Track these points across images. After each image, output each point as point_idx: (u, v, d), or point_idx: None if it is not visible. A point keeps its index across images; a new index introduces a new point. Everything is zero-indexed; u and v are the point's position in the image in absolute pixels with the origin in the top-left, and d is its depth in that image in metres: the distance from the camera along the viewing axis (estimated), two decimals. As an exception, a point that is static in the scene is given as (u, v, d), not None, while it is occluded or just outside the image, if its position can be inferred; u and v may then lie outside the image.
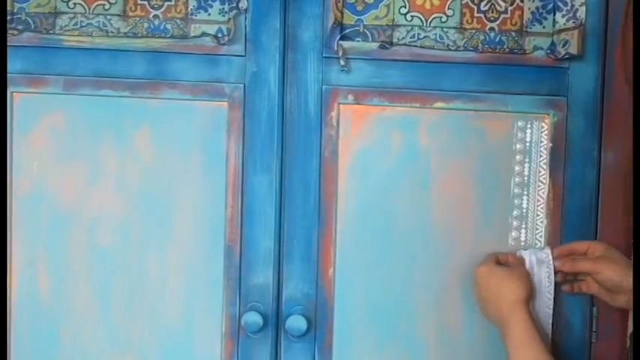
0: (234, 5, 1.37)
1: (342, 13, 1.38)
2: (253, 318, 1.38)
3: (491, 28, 1.38)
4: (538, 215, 1.40)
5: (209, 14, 1.39)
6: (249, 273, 1.40)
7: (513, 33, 1.39)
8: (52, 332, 1.43)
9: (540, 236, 1.40)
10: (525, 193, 1.40)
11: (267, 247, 1.40)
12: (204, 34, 1.38)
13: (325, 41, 1.38)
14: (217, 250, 1.41)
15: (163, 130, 1.40)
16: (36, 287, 1.42)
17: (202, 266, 1.41)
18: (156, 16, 1.39)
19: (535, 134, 1.39)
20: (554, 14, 1.36)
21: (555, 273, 1.35)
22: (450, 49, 1.38)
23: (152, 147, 1.40)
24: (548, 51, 1.37)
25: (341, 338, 1.41)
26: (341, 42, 1.38)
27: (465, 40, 1.38)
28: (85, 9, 1.39)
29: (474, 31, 1.38)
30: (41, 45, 1.39)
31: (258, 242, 1.40)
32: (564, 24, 1.35)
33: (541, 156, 1.39)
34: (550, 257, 1.36)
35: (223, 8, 1.38)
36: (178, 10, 1.39)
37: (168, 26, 1.39)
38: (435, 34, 1.38)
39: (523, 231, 1.40)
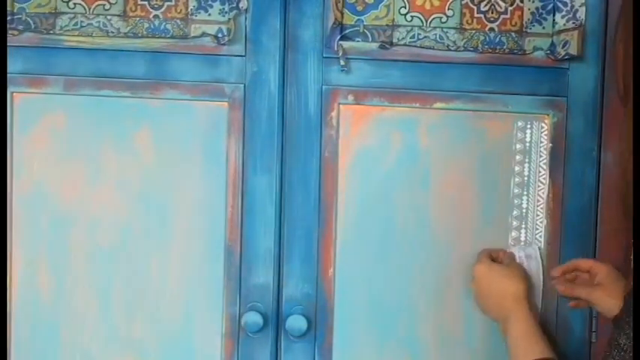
0: (234, 5, 1.37)
1: (342, 13, 1.38)
2: (253, 318, 1.38)
3: (491, 29, 1.38)
4: (538, 215, 1.40)
5: (209, 14, 1.39)
6: (249, 273, 1.40)
7: (513, 33, 1.39)
8: (52, 332, 1.43)
9: (540, 236, 1.40)
10: (525, 193, 1.40)
11: (267, 247, 1.40)
12: (204, 34, 1.38)
13: (325, 41, 1.38)
14: (217, 250, 1.41)
15: (163, 130, 1.40)
16: (36, 287, 1.42)
17: (202, 266, 1.41)
18: (156, 17, 1.39)
19: (535, 134, 1.39)
20: (554, 15, 1.36)
21: (544, 272, 1.38)
22: (450, 50, 1.38)
23: (152, 147, 1.40)
24: (548, 51, 1.37)
25: (341, 338, 1.41)
26: (341, 42, 1.38)
27: (464, 40, 1.38)
28: (85, 9, 1.39)
29: (473, 31, 1.38)
30: (41, 45, 1.39)
31: (258, 242, 1.40)
32: (564, 25, 1.35)
33: (541, 156, 1.40)
34: (538, 253, 1.38)
35: (223, 8, 1.38)
36: (178, 11, 1.39)
37: (169, 26, 1.39)
38: (435, 35, 1.38)
39: (523, 231, 1.40)
